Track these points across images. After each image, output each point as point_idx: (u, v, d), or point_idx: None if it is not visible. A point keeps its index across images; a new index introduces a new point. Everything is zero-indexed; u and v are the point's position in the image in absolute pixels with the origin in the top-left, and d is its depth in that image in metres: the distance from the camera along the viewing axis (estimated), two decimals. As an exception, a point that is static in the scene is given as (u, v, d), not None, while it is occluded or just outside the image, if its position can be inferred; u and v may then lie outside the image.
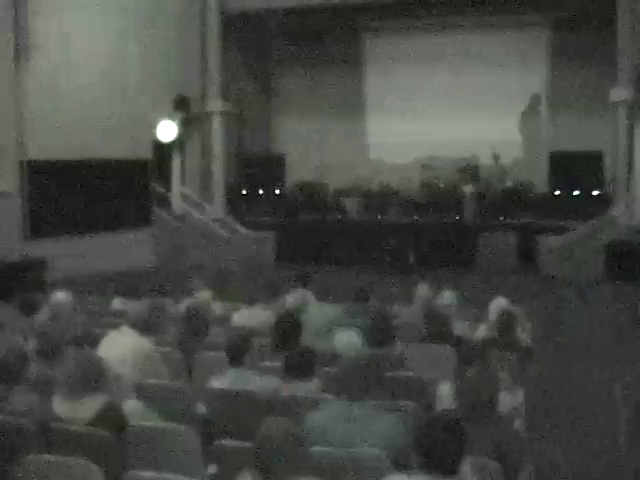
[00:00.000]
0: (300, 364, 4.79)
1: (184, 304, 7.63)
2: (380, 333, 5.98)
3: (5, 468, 3.70)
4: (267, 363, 5.49)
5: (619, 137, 16.71)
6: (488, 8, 18.96)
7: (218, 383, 4.98)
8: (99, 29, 16.22)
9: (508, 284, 13.74)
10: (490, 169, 18.36)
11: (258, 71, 21.62)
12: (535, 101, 19.79)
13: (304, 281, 8.75)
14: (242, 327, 7.00)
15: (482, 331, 6.83)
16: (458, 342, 5.91)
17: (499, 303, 7.11)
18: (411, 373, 5.45)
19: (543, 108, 19.65)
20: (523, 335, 6.73)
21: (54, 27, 15.03)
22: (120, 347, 5.55)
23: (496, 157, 18.39)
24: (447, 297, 7.92)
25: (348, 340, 5.37)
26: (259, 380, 4.92)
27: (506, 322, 6.28)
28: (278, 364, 5.29)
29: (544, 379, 7.65)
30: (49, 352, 4.95)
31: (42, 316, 6.88)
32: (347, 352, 5.19)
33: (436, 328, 6.21)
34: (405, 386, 5.11)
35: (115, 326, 6.34)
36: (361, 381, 4.01)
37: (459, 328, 6.66)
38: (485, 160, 18.44)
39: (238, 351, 5.04)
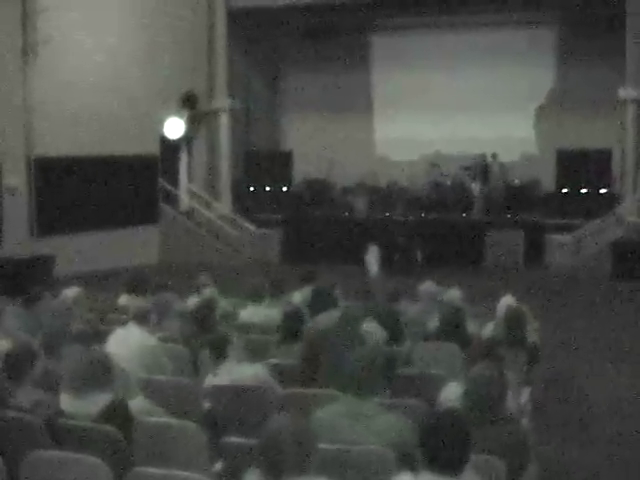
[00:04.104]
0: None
1: (191, 301, 7.62)
2: (388, 330, 5.97)
3: (12, 464, 3.70)
4: (274, 360, 5.49)
5: (627, 135, 16.66)
6: (496, 6, 18.89)
7: (212, 382, 4.98)
8: (107, 26, 16.24)
9: (516, 282, 13.71)
10: (492, 166, 18.32)
11: (265, 68, 21.60)
12: (543, 99, 19.72)
13: (310, 278, 8.72)
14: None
15: (490, 329, 6.82)
16: (466, 340, 5.89)
17: (507, 301, 7.10)
18: (418, 371, 5.44)
19: (551, 106, 19.56)
20: (531, 333, 6.71)
21: (62, 23, 15.04)
22: (127, 343, 5.56)
23: (494, 156, 18.33)
24: (453, 295, 7.89)
25: (374, 331, 5.41)
26: (247, 370, 4.93)
27: (514, 320, 6.26)
28: (285, 361, 5.29)
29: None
30: (56, 348, 4.95)
31: (49, 312, 6.88)
32: (372, 341, 5.21)
33: (450, 326, 6.18)
34: (412, 384, 5.09)
35: (122, 322, 6.35)
36: (369, 378, 4.00)
37: (467, 326, 6.64)
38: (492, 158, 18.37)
39: (219, 346, 5.05)
